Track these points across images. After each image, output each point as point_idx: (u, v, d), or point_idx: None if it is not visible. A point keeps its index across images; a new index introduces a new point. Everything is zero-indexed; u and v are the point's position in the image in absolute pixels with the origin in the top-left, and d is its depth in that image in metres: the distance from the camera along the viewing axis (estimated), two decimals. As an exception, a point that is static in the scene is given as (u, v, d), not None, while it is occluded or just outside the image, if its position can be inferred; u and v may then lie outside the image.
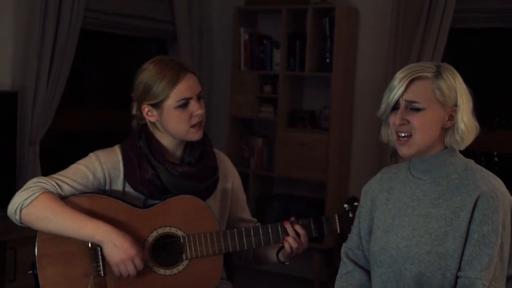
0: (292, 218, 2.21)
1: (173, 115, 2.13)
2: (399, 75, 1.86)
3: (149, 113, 2.17)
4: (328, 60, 4.52)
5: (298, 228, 2.18)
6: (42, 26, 3.79)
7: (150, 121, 2.19)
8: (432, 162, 1.88)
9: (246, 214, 2.39)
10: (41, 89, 3.83)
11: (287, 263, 2.29)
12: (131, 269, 2.03)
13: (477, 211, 1.78)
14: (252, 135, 4.96)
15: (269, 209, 4.69)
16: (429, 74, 1.83)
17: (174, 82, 2.10)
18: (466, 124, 1.84)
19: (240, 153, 4.94)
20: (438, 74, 1.84)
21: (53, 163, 2.17)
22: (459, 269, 1.79)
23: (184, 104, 2.12)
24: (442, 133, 1.87)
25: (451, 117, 1.85)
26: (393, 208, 1.93)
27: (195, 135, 2.17)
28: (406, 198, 1.91)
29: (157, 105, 2.14)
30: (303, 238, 2.19)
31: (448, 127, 1.86)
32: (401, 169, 2.00)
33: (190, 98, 2.12)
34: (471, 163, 1.90)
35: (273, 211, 4.64)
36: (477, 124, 1.88)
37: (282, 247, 2.25)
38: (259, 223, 2.30)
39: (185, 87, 2.11)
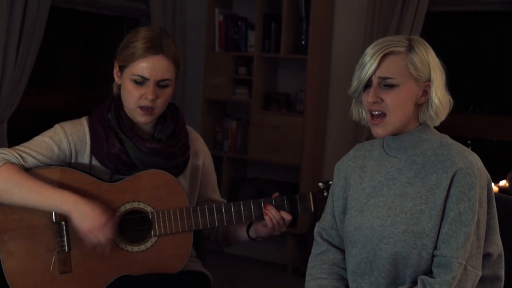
0: (276, 194, 2.16)
1: (127, 85, 2.07)
2: (370, 50, 1.79)
3: (117, 73, 2.12)
4: (303, 42, 4.47)
5: (285, 215, 2.13)
6: (10, 1, 3.68)
7: (116, 84, 2.14)
8: (406, 140, 1.83)
9: (216, 195, 2.34)
10: (8, 66, 3.73)
11: (258, 239, 2.24)
12: (102, 238, 1.96)
13: (454, 188, 1.73)
14: (226, 117, 4.90)
15: (242, 193, 4.64)
16: (401, 49, 1.77)
17: (139, 56, 2.03)
18: (440, 98, 1.80)
19: (214, 135, 4.88)
20: (410, 48, 1.78)
21: (22, 143, 2.10)
22: (435, 248, 1.74)
23: (139, 82, 2.04)
24: (416, 109, 1.82)
25: (425, 93, 1.80)
26: (368, 187, 1.87)
27: (140, 117, 2.09)
28: (380, 176, 1.86)
29: (121, 69, 2.09)
30: (288, 222, 2.15)
31: (422, 102, 1.81)
32: (375, 146, 1.94)
33: (147, 79, 2.04)
34: (446, 138, 1.86)
35: (247, 195, 4.59)
36: (450, 98, 1.83)
37: (251, 224, 2.21)
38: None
39: (146, 66, 2.03)
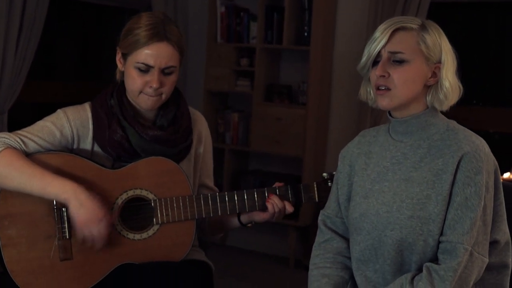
0: (278, 184, 2.14)
1: (130, 72, 2.04)
2: (381, 26, 1.77)
3: (120, 60, 2.09)
4: (306, 34, 4.44)
5: (287, 205, 2.12)
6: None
7: (120, 71, 2.11)
8: (412, 123, 1.80)
9: (210, 181, 2.32)
10: (9, 58, 3.72)
11: (249, 225, 2.22)
12: (96, 233, 1.93)
13: (460, 173, 1.70)
14: (228, 109, 4.87)
15: (244, 185, 4.61)
16: (414, 26, 1.75)
17: (143, 44, 2.00)
18: (451, 82, 1.76)
19: (216, 127, 4.84)
20: (423, 28, 1.76)
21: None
22: (441, 234, 1.71)
23: (143, 69, 2.02)
24: (424, 91, 1.78)
25: (434, 74, 1.77)
26: (373, 172, 1.84)
27: (145, 102, 2.06)
28: (386, 162, 1.82)
29: (124, 56, 2.07)
30: (288, 212, 2.14)
31: (430, 84, 1.78)
32: (380, 132, 1.91)
33: (152, 67, 2.01)
34: (453, 123, 1.82)
35: (249, 187, 4.52)
36: (460, 85, 1.80)
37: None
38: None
39: (150, 53, 2.00)
